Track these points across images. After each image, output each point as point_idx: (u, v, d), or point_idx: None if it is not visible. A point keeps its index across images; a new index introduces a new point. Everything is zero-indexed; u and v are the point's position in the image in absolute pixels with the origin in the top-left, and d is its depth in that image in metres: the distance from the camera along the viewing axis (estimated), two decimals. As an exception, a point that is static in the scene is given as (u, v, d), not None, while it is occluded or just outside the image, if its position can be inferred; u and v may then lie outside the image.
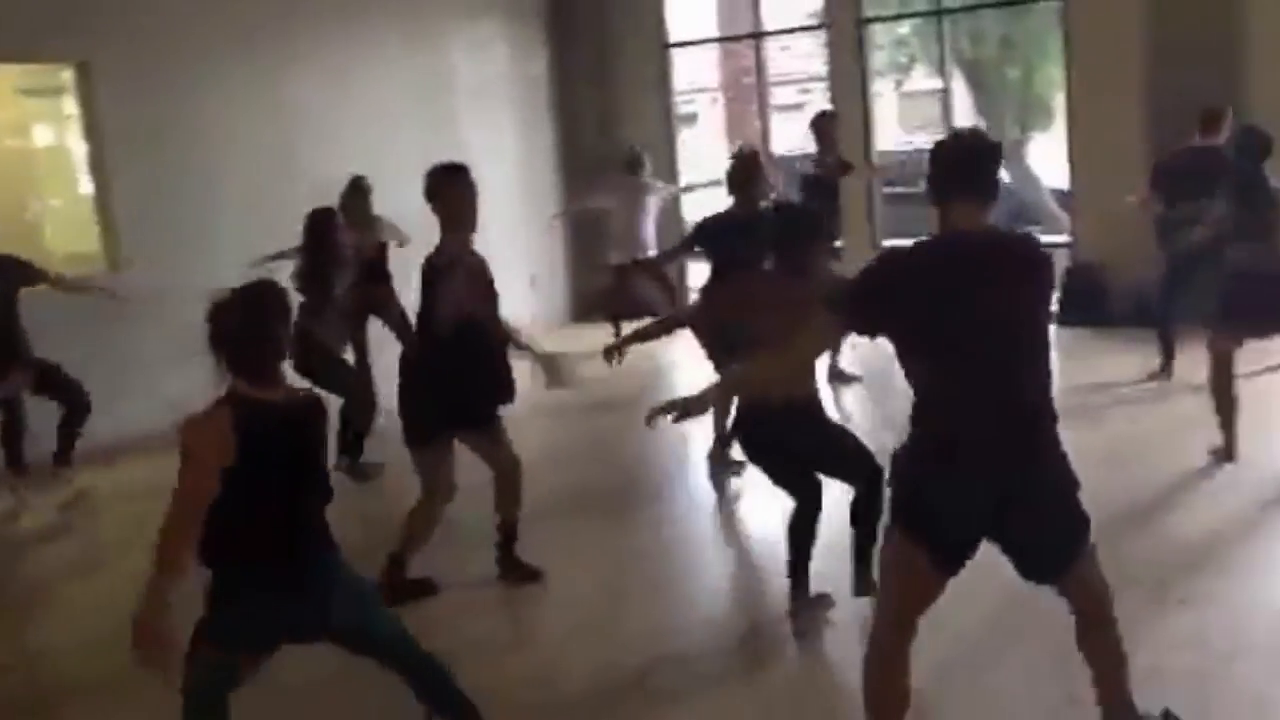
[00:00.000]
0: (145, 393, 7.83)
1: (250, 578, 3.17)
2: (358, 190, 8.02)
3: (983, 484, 3.03)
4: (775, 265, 4.70)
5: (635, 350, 4.90)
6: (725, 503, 6.38)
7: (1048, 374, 3.13)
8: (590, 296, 11.67)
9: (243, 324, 3.15)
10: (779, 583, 4.69)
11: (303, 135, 9.54)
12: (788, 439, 4.56)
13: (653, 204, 10.47)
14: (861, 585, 4.58)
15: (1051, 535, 3.12)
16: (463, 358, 4.86)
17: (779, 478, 4.70)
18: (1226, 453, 6.09)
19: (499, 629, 5.03)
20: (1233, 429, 6.08)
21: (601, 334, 10.95)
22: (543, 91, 11.94)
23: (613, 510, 6.29)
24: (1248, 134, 6.45)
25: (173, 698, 3.21)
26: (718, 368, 6.25)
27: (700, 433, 6.57)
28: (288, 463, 3.18)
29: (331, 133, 9.63)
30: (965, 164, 3.14)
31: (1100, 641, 3.28)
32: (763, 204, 6.25)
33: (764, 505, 5.70)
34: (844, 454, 4.62)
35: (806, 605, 4.63)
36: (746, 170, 6.35)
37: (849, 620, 4.57)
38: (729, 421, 6.54)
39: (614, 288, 10.60)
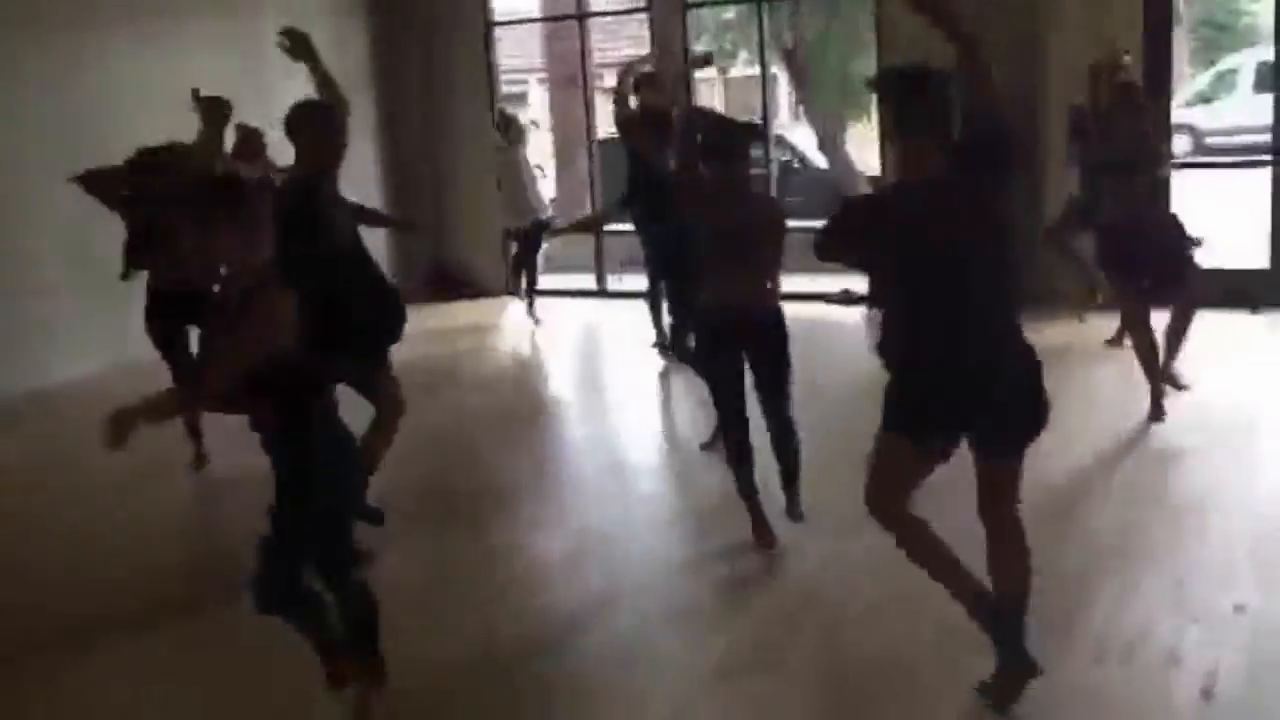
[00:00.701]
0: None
1: None
2: (249, 139, 7.05)
3: (951, 385, 3.45)
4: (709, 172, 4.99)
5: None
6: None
7: (1006, 284, 3.50)
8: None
9: None
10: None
11: (111, 105, 9.15)
12: (749, 342, 4.95)
13: (531, 166, 10.57)
14: (793, 510, 5.19)
15: (1015, 419, 3.51)
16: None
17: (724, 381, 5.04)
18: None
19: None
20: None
21: (431, 313, 10.90)
22: (363, 67, 11.68)
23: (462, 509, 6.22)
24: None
25: None
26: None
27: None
28: None
29: (141, 100, 9.21)
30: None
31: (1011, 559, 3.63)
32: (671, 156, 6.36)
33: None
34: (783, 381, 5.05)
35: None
36: (660, 125, 6.57)
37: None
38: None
39: (518, 254, 10.65)
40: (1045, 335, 8.21)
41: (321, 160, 5.04)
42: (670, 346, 7.96)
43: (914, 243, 3.42)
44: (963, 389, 3.47)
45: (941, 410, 3.50)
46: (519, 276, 10.65)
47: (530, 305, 10.46)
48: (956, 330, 3.44)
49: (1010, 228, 3.55)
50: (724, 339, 4.98)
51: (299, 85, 5.30)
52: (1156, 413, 6.47)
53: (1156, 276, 6.46)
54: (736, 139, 5.06)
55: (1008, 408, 3.49)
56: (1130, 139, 6.55)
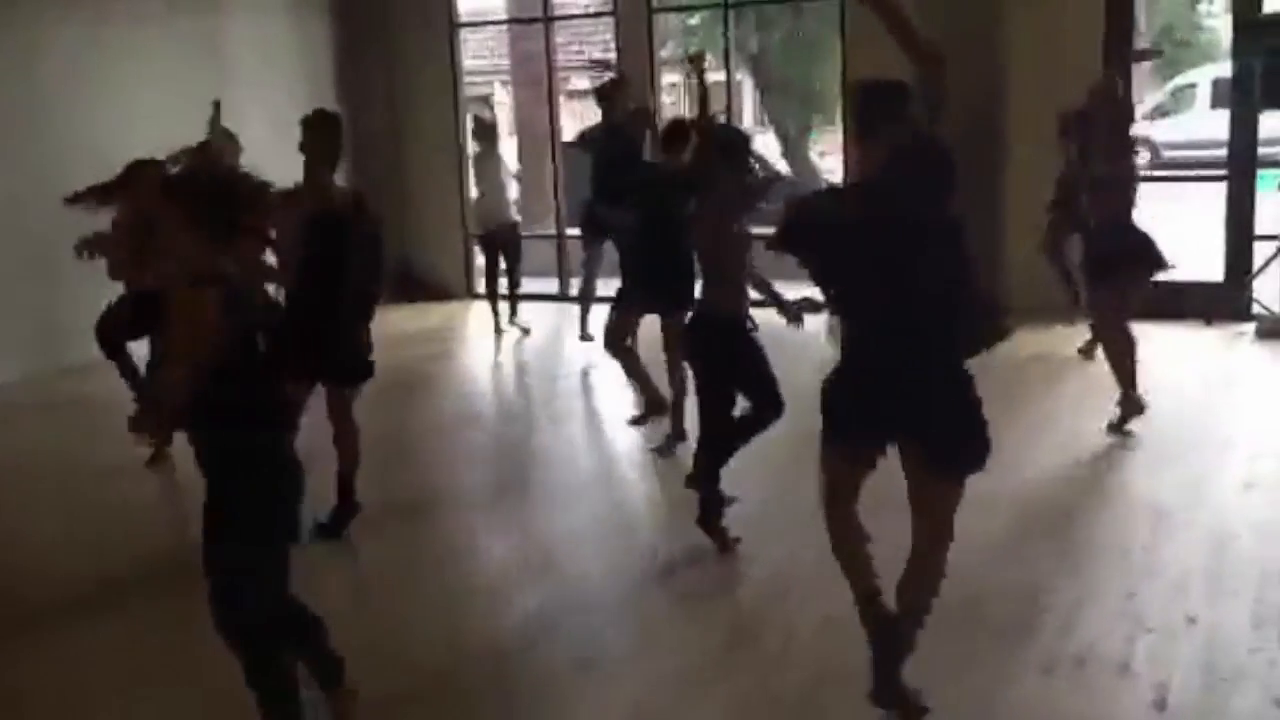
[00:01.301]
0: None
1: None
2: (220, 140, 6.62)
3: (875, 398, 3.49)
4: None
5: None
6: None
7: (945, 302, 3.43)
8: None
9: None
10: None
11: (56, 100, 8.99)
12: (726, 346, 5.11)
13: (509, 170, 10.43)
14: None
15: (941, 439, 3.47)
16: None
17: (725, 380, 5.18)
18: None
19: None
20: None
21: (394, 316, 10.82)
22: (327, 68, 11.60)
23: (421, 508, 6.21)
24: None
25: None
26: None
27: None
28: None
29: (89, 96, 9.13)
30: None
31: (915, 573, 3.60)
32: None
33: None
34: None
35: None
36: (678, 131, 6.63)
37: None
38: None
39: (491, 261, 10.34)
40: (1009, 344, 8.30)
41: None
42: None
43: (852, 241, 3.47)
44: (884, 396, 3.48)
45: (861, 416, 3.55)
46: (494, 283, 10.28)
47: (513, 312, 10.21)
48: (882, 335, 3.49)
49: (954, 253, 3.48)
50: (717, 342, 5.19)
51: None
52: (1130, 409, 6.49)
53: (1135, 285, 6.53)
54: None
55: (933, 425, 3.47)
56: (1119, 149, 6.64)
